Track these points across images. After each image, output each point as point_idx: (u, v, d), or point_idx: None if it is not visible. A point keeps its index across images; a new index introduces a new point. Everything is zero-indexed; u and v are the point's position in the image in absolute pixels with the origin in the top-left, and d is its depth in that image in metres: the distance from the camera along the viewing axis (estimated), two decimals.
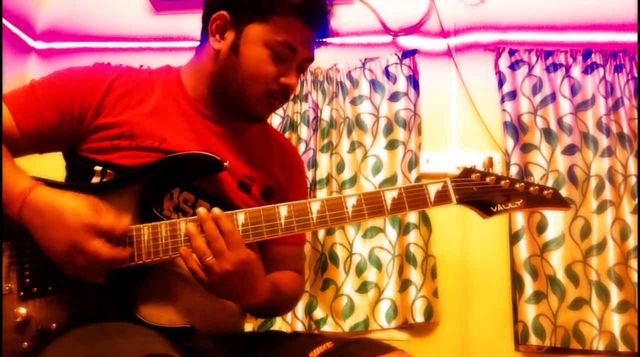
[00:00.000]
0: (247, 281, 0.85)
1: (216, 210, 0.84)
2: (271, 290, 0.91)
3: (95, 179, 0.94)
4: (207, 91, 1.03)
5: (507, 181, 0.93)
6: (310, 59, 1.04)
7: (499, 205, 0.93)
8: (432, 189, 0.92)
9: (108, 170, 0.94)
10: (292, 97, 1.36)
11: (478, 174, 0.94)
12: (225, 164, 0.92)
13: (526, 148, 1.98)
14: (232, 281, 0.83)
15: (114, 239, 0.81)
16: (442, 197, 0.92)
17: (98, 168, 0.94)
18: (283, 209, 0.89)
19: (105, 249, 0.79)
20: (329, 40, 1.05)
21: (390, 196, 0.90)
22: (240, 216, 0.87)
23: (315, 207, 0.89)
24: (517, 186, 0.93)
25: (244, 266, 0.83)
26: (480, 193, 0.93)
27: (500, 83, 2.06)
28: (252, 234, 0.87)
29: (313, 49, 1.03)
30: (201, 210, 0.84)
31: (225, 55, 0.98)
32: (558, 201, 0.95)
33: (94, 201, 0.82)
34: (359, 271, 1.97)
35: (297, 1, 0.95)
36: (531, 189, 0.94)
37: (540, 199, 0.94)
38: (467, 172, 0.94)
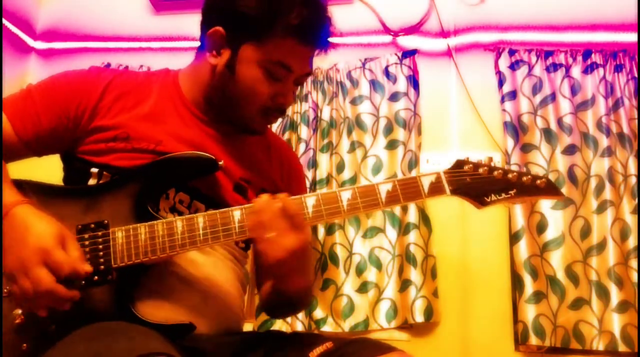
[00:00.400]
0: (303, 263, 0.87)
1: (282, 195, 0.86)
2: (311, 282, 0.93)
3: (92, 181, 0.95)
4: (203, 98, 1.03)
5: (500, 171, 0.93)
6: (309, 74, 1.04)
7: (492, 195, 0.92)
8: (426, 181, 0.91)
9: (104, 172, 0.94)
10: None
11: (471, 165, 0.93)
12: (219, 163, 0.93)
13: (526, 148, 1.98)
14: (292, 258, 0.83)
15: (62, 276, 0.78)
16: (436, 188, 0.91)
17: (94, 170, 0.95)
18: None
19: (47, 279, 0.76)
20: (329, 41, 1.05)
21: (384, 188, 0.90)
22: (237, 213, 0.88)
23: (310, 202, 0.89)
24: (510, 175, 0.93)
25: (305, 247, 0.84)
26: (473, 183, 0.92)
27: (500, 83, 2.06)
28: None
29: (311, 64, 1.03)
30: (266, 195, 0.86)
31: (221, 71, 0.98)
32: (551, 190, 0.94)
33: (65, 234, 0.81)
34: (359, 271, 1.97)
35: (294, 22, 0.93)
36: (524, 178, 0.93)
37: (533, 188, 0.93)
38: (460, 163, 0.94)
